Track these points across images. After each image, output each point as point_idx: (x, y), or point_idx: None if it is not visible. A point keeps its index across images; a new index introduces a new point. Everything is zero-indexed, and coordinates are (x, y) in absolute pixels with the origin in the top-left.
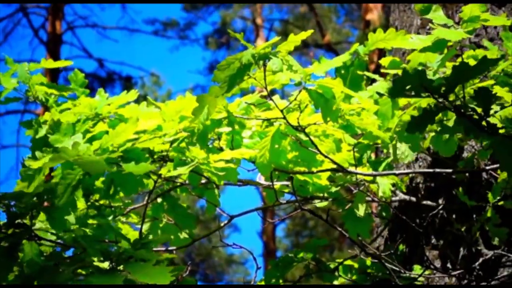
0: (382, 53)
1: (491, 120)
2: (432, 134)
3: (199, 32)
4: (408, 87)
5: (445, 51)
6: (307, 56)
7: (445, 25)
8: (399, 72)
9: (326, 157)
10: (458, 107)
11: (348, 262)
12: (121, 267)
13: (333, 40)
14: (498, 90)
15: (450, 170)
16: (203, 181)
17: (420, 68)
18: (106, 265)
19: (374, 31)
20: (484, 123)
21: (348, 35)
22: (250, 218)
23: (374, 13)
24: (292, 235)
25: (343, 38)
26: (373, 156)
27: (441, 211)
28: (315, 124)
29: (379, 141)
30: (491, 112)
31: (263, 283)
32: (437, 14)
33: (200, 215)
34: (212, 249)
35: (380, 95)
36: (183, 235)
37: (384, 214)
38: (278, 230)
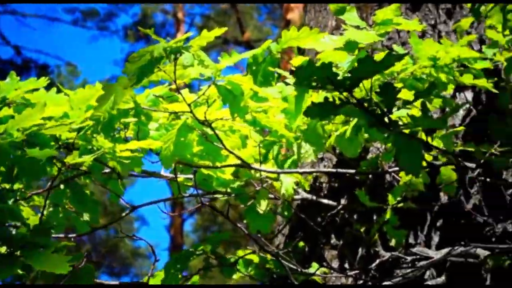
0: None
1: (395, 117)
2: (337, 134)
3: (119, 24)
4: (313, 78)
5: (356, 52)
6: (227, 52)
7: (357, 27)
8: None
9: (230, 152)
10: (362, 101)
11: (250, 256)
12: (18, 253)
13: (253, 38)
14: (404, 93)
15: (353, 171)
16: (107, 170)
17: None
18: (3, 250)
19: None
20: (386, 119)
21: (269, 33)
22: (159, 212)
23: (295, 12)
24: (200, 230)
25: (264, 36)
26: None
27: (342, 212)
28: (222, 119)
29: (283, 140)
30: (395, 109)
31: (162, 273)
32: (351, 16)
33: (108, 206)
34: (116, 240)
35: (286, 84)
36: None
37: (286, 212)
38: (187, 225)
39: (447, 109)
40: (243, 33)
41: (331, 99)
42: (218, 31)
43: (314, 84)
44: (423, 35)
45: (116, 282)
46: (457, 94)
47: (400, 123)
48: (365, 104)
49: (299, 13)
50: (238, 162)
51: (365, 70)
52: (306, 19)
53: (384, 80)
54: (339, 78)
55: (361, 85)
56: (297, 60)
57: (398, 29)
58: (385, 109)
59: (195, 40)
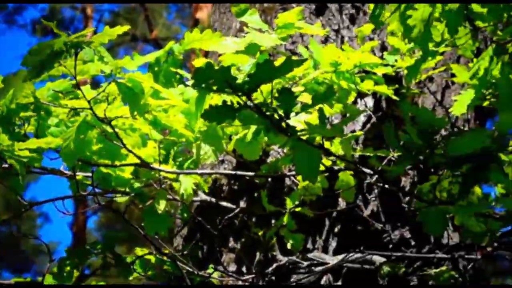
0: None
1: (296, 121)
2: (236, 137)
3: (27, 17)
4: (211, 81)
5: (258, 55)
6: (134, 50)
7: (260, 30)
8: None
9: (130, 151)
10: (260, 105)
11: (148, 257)
12: None
13: (162, 36)
14: (305, 97)
15: (252, 174)
16: (6, 165)
17: (232, 69)
18: None
19: (202, 29)
20: (284, 124)
21: (178, 31)
22: (62, 209)
23: (204, 12)
24: (103, 228)
25: (172, 34)
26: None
27: (241, 215)
28: (122, 117)
29: (183, 140)
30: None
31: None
32: (253, 18)
33: (12, 201)
34: (18, 236)
35: (185, 85)
36: None
37: (185, 214)
38: (90, 222)
39: (348, 115)
40: (152, 31)
41: (229, 102)
42: (121, 29)
43: (213, 87)
44: (326, 40)
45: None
46: (358, 100)
47: (300, 128)
48: (264, 109)
49: (208, 12)
50: (138, 161)
51: (263, 74)
52: (211, 20)
53: (286, 84)
54: (238, 81)
55: (261, 89)
56: (199, 62)
57: (302, 33)
58: (283, 114)
59: (97, 36)
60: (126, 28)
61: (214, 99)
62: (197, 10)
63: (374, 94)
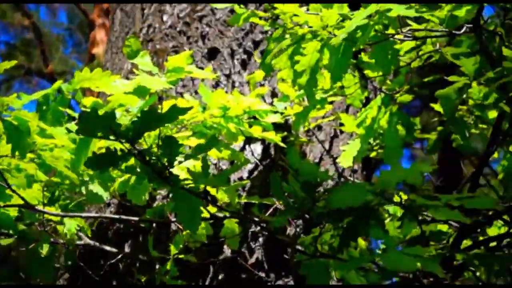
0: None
1: (178, 170)
2: (121, 180)
3: None
4: (96, 127)
5: (147, 97)
6: (29, 84)
7: (150, 72)
8: (100, 112)
9: (14, 192)
10: (143, 153)
11: None
12: None
13: (58, 70)
14: (194, 142)
15: (136, 218)
16: None
17: (120, 109)
18: None
19: (96, 66)
20: (167, 173)
21: (74, 66)
22: None
23: (100, 48)
24: None
25: (69, 69)
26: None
27: (125, 260)
28: (7, 156)
29: (67, 182)
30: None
31: None
32: (144, 60)
33: None
34: None
35: (69, 131)
36: None
37: (68, 259)
38: None
39: (235, 162)
40: (47, 65)
41: (113, 149)
42: (7, 64)
43: (97, 133)
44: (217, 84)
45: None
46: (247, 146)
47: (183, 176)
48: (147, 157)
49: (104, 48)
50: (22, 202)
51: (148, 122)
52: (103, 60)
53: (174, 129)
54: (122, 128)
55: (146, 135)
56: (88, 100)
57: (193, 77)
58: (166, 163)
59: None
60: (12, 63)
61: (101, 142)
62: (93, 45)
63: (263, 141)
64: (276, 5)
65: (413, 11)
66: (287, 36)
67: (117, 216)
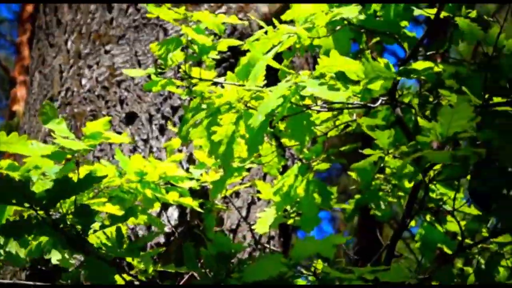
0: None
1: (93, 239)
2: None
3: None
4: (10, 194)
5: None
6: None
7: (66, 137)
8: (16, 175)
9: None
10: (57, 221)
11: None
12: None
13: None
14: (110, 208)
15: (51, 285)
16: None
17: (37, 173)
18: None
19: (18, 123)
20: (81, 241)
21: None
22: None
23: (21, 105)
24: None
25: None
26: None
27: None
28: None
29: None
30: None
31: None
32: (60, 127)
33: None
34: None
35: None
36: None
37: None
38: None
39: (153, 228)
40: None
41: (27, 217)
42: None
43: (12, 201)
44: (134, 149)
45: None
46: (163, 211)
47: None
48: (61, 225)
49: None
50: None
51: (62, 190)
52: (20, 122)
53: (91, 194)
54: (37, 196)
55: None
56: (4, 163)
57: (111, 142)
58: (81, 232)
59: None
60: None
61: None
62: (14, 103)
63: (180, 205)
64: (193, 74)
65: (325, 88)
66: (204, 106)
67: (31, 283)
